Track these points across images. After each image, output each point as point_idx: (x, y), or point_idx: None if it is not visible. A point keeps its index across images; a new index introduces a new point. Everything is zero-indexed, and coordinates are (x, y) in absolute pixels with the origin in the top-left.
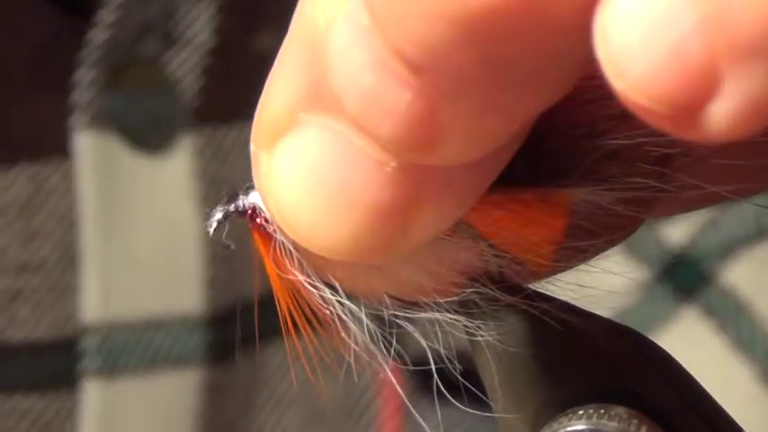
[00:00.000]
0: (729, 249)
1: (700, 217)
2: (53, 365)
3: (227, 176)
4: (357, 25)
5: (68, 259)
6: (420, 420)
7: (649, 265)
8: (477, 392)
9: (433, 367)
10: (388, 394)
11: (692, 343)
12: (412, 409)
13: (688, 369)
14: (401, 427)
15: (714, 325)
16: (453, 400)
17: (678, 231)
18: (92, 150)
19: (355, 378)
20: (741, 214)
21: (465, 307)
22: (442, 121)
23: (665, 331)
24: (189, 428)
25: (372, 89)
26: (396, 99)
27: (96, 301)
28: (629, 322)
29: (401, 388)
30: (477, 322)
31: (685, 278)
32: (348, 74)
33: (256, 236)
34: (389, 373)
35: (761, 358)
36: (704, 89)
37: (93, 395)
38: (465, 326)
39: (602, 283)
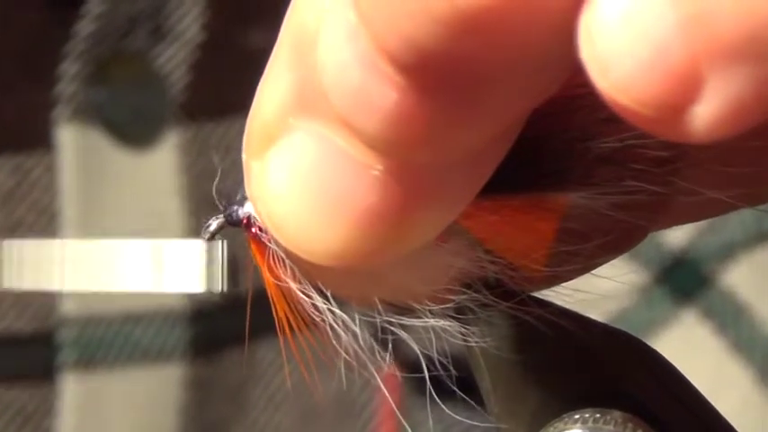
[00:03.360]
0: (729, 252)
1: None
2: (34, 358)
3: (212, 172)
4: (345, 24)
5: None
6: (407, 426)
7: (648, 268)
8: (470, 400)
9: (426, 374)
10: (385, 394)
11: (691, 345)
12: (401, 419)
13: (687, 371)
14: (398, 426)
15: (713, 327)
16: (444, 407)
17: (677, 234)
18: (74, 143)
19: (353, 377)
20: (741, 217)
21: (459, 313)
22: (428, 118)
23: (664, 334)
24: (173, 423)
25: (360, 87)
26: (382, 97)
27: (74, 294)
28: (629, 325)
29: (398, 388)
30: (472, 328)
31: (685, 281)
32: (336, 72)
33: (252, 245)
34: (380, 381)
35: (760, 360)
36: (686, 91)
37: (70, 388)
38: (460, 332)
39: (598, 288)
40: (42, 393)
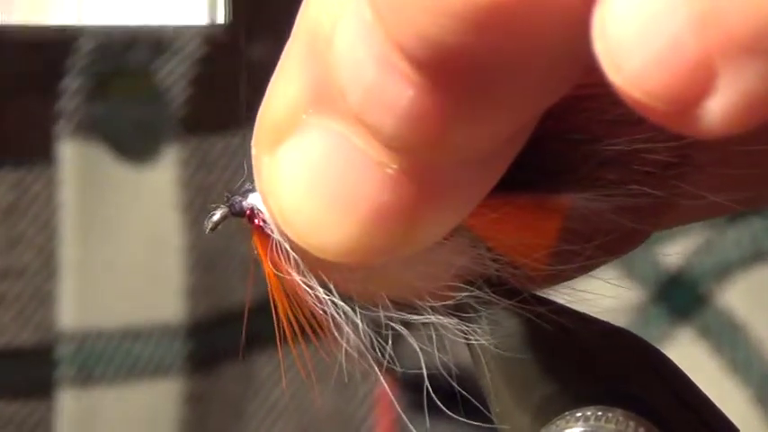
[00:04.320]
0: (725, 271)
1: (695, 238)
2: (34, 373)
3: (212, 186)
4: (360, 21)
5: (51, 267)
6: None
7: (645, 286)
8: (474, 401)
9: (424, 372)
10: (384, 407)
11: (686, 365)
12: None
13: None
14: None
15: (709, 347)
16: (449, 412)
17: (674, 252)
18: (75, 158)
19: (352, 389)
20: (737, 236)
21: (461, 310)
22: (443, 116)
23: None
24: None
25: (375, 85)
26: (398, 95)
27: (72, 309)
28: None
29: (397, 400)
30: (474, 326)
31: (681, 299)
32: (351, 70)
33: (255, 237)
34: (381, 378)
35: (756, 381)
36: (699, 86)
37: (68, 403)
38: (461, 330)
39: (595, 305)
40: (42, 408)
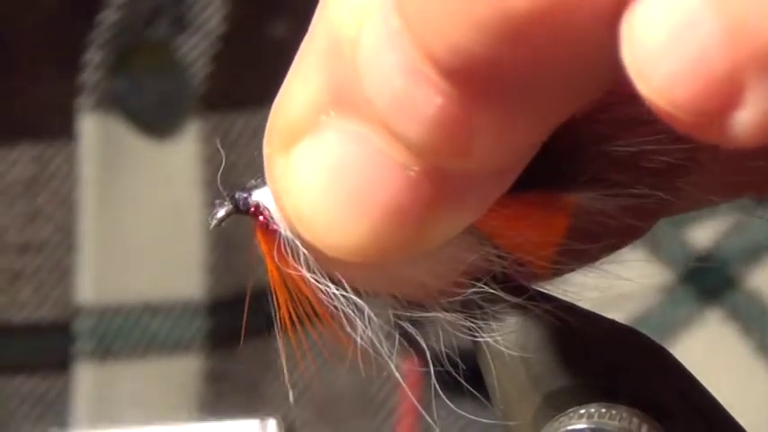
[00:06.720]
0: (755, 253)
1: (725, 220)
2: (53, 347)
3: (233, 163)
4: (387, 28)
5: (70, 241)
6: (431, 421)
7: (673, 268)
8: (476, 392)
9: (431, 369)
10: (406, 388)
11: (715, 346)
12: (424, 412)
13: (711, 372)
14: (418, 422)
15: (738, 329)
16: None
17: (703, 234)
18: (96, 132)
19: (372, 371)
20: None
21: (467, 307)
22: (471, 126)
23: (688, 334)
24: (190, 414)
25: (403, 93)
26: (426, 103)
27: (91, 284)
28: (653, 324)
29: (419, 384)
30: (479, 323)
31: (710, 281)
32: (378, 77)
33: (259, 233)
34: (395, 371)
35: None
36: (727, 98)
37: (85, 378)
38: (467, 327)
39: (622, 287)
40: (61, 383)
